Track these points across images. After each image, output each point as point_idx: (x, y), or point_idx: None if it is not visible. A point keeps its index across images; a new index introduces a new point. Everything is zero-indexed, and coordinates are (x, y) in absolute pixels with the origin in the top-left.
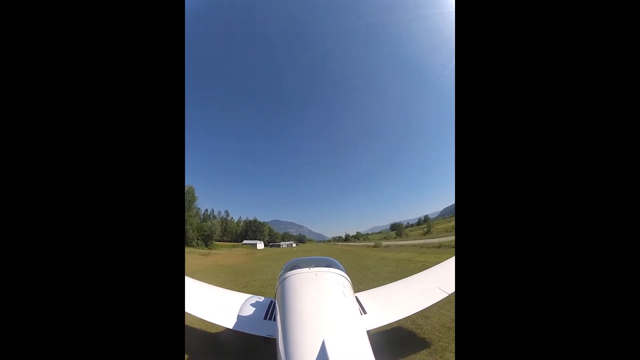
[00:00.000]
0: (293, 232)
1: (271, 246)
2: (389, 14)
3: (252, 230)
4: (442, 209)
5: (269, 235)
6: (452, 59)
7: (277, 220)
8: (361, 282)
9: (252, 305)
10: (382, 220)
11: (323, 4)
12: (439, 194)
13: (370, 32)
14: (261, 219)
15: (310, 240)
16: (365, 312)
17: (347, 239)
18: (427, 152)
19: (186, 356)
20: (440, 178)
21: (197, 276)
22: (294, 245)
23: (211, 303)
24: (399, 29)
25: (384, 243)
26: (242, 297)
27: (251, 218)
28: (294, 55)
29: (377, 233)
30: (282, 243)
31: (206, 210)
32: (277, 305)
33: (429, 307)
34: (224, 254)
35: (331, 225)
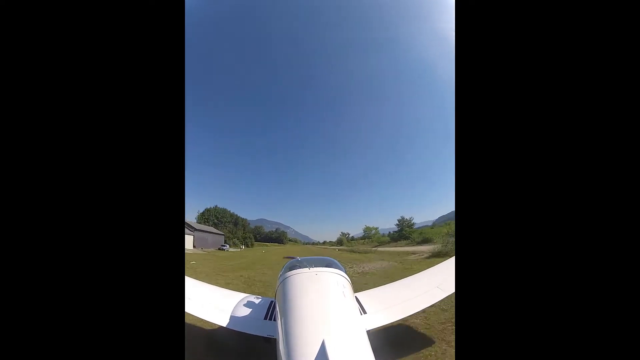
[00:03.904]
0: (269, 228)
1: None
2: (393, 29)
3: None
4: (436, 218)
5: None
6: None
7: (263, 219)
8: None
9: (252, 305)
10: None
11: (324, 7)
12: (433, 201)
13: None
14: (247, 217)
15: (295, 241)
16: (365, 312)
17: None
18: (423, 156)
19: None
20: (437, 185)
21: None
22: (227, 247)
23: (211, 303)
24: (402, 40)
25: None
26: (243, 297)
27: None
28: (294, 57)
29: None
30: None
31: None
32: (277, 305)
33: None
34: None
35: (319, 229)
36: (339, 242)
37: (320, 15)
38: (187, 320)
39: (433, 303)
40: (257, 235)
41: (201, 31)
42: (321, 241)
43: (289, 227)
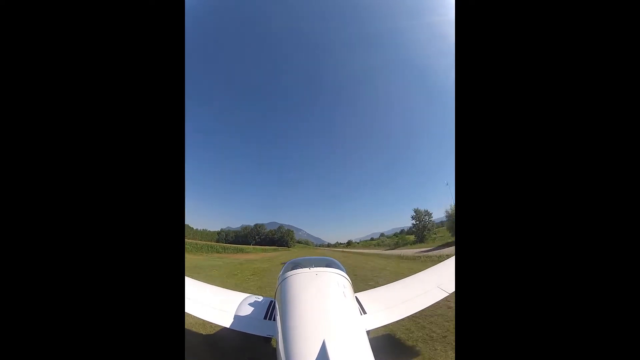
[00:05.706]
0: (272, 228)
1: None
2: (394, 21)
3: None
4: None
5: None
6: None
7: (274, 222)
8: None
9: (252, 305)
10: (383, 227)
11: (327, 7)
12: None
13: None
14: (259, 220)
15: (306, 244)
16: (365, 312)
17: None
18: (431, 156)
19: None
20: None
21: None
22: None
23: (211, 303)
24: (404, 35)
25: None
26: (242, 297)
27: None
28: (299, 58)
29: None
30: None
31: None
32: (277, 305)
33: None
34: None
35: (330, 231)
36: (421, 234)
37: (327, 11)
38: (185, 319)
39: (433, 303)
40: (257, 237)
41: (201, 30)
42: (344, 242)
43: (300, 230)
